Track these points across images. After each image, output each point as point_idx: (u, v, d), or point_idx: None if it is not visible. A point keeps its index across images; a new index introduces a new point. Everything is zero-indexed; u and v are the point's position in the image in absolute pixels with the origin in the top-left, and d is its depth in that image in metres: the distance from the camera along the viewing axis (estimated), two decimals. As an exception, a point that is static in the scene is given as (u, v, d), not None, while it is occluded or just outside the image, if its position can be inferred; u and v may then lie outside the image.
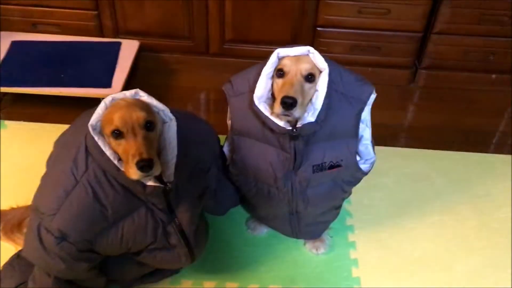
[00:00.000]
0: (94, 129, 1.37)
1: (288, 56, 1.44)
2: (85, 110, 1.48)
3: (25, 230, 1.83)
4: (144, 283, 1.74)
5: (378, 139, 2.26)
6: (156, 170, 1.31)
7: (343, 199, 1.81)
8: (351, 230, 1.97)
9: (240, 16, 2.53)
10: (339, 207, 1.84)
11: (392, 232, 1.97)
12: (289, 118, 1.42)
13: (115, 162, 1.35)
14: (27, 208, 1.88)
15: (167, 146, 1.44)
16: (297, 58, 1.43)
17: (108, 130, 1.34)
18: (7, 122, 2.35)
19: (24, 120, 2.36)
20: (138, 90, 1.42)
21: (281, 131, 1.44)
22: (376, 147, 2.24)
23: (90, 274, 1.51)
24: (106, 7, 2.55)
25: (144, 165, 1.27)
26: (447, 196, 2.12)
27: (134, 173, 1.29)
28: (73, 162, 1.41)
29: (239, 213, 2.00)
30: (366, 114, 1.62)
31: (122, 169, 1.34)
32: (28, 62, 2.38)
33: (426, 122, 2.53)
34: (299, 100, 1.38)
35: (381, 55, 2.63)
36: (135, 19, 2.58)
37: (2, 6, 2.55)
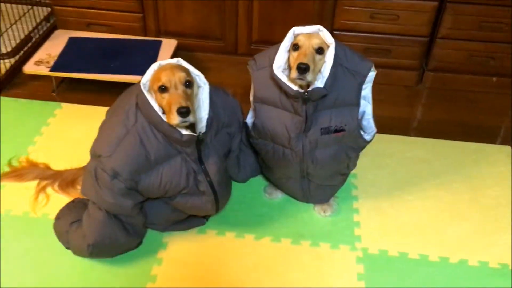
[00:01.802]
0: (144, 87, 1.72)
1: (302, 33, 1.77)
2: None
3: (78, 186, 2.19)
4: (176, 230, 2.04)
5: (385, 129, 2.56)
6: (192, 117, 1.64)
7: (348, 166, 2.09)
8: (356, 199, 2.25)
9: (265, 20, 2.89)
10: (344, 174, 2.13)
11: (392, 202, 2.24)
12: (303, 82, 1.73)
13: (160, 113, 1.69)
14: (79, 169, 2.24)
15: (200, 105, 1.77)
16: (309, 35, 1.76)
17: (155, 86, 1.68)
18: (62, 104, 2.73)
19: (77, 103, 2.74)
20: (179, 58, 1.77)
21: (295, 94, 1.75)
22: (382, 134, 2.55)
23: (133, 211, 1.83)
24: (150, 10, 2.95)
25: (183, 112, 1.60)
26: (443, 176, 2.38)
27: (174, 119, 1.62)
28: (125, 115, 1.75)
29: (258, 181, 2.31)
30: (367, 92, 1.93)
31: (165, 119, 1.68)
32: (83, 53, 2.77)
33: (430, 116, 2.80)
34: (311, 67, 1.70)
35: (391, 57, 2.93)
36: (174, 21, 2.97)
37: (59, 7, 2.98)
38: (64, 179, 2.22)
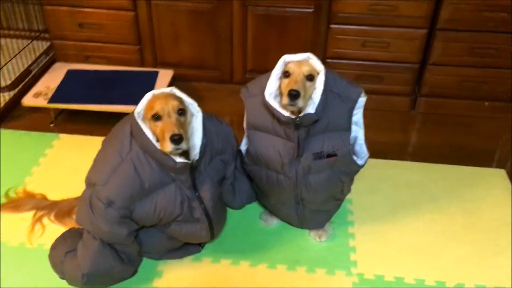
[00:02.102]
0: (138, 116, 1.75)
1: (292, 61, 1.82)
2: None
3: (74, 216, 2.20)
4: (171, 258, 2.04)
5: (380, 154, 2.59)
6: (185, 144, 1.66)
7: (342, 191, 2.10)
8: (351, 225, 2.25)
9: (260, 49, 2.96)
10: (339, 199, 2.14)
11: (388, 227, 2.24)
12: (294, 108, 1.76)
13: (154, 142, 1.71)
14: (75, 199, 2.25)
15: (194, 132, 1.80)
16: (300, 62, 1.80)
17: (149, 115, 1.71)
18: (60, 135, 2.76)
19: (75, 134, 2.77)
20: (173, 87, 1.81)
21: (287, 120, 1.78)
22: (377, 159, 2.57)
23: (128, 240, 1.84)
24: (147, 42, 3.02)
25: (176, 139, 1.63)
26: (439, 200, 2.39)
27: (167, 146, 1.65)
28: (120, 144, 1.78)
29: (254, 208, 2.32)
30: (359, 117, 1.96)
31: (159, 147, 1.70)
32: (81, 85, 2.83)
33: (425, 141, 2.83)
34: (302, 93, 1.74)
35: (383, 84, 2.98)
36: (171, 52, 3.04)
37: (58, 41, 3.05)
38: (60, 210, 2.24)
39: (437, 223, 2.26)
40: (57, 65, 3.04)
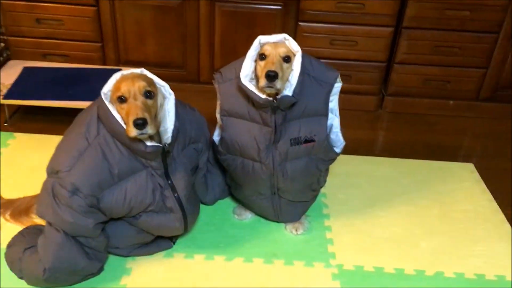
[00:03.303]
0: (105, 97, 1.64)
1: (268, 42, 1.76)
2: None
3: (32, 215, 2.04)
4: (141, 254, 1.91)
5: (350, 151, 2.56)
6: (150, 129, 1.55)
7: (318, 181, 2.05)
8: (327, 217, 2.19)
9: (227, 48, 2.90)
10: (315, 190, 2.08)
11: (364, 219, 2.19)
12: (272, 90, 1.70)
13: (122, 124, 1.60)
14: (33, 197, 2.09)
15: (166, 115, 1.71)
16: (276, 44, 1.75)
17: (115, 96, 1.61)
18: (16, 134, 2.59)
19: (31, 133, 2.60)
20: (143, 69, 1.71)
21: (264, 103, 1.72)
22: (349, 156, 2.55)
23: (94, 232, 1.70)
24: (110, 40, 2.90)
25: (139, 123, 1.52)
26: (412, 192, 2.37)
27: (131, 131, 1.54)
28: (86, 128, 1.66)
29: (226, 203, 2.23)
30: (334, 104, 1.93)
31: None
32: (38, 82, 2.67)
33: (393, 138, 2.83)
34: (280, 74, 1.68)
35: (351, 82, 2.98)
36: (135, 50, 2.93)
37: (14, 38, 2.89)
38: (17, 208, 2.07)
39: (412, 214, 2.24)
40: (12, 62, 2.88)
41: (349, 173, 2.48)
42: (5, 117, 2.68)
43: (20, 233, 1.86)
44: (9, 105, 2.64)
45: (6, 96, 2.53)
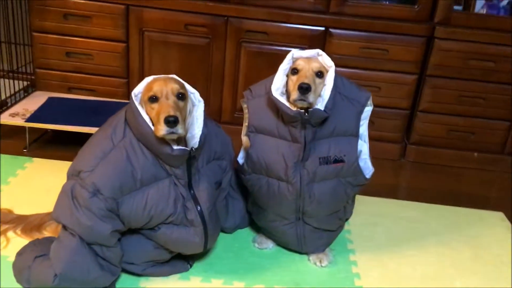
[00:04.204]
0: (135, 99, 1.62)
1: (301, 57, 1.76)
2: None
3: (44, 231, 1.96)
4: (155, 275, 1.79)
5: (374, 194, 2.48)
6: (181, 129, 1.51)
7: (345, 209, 1.96)
8: (353, 253, 2.07)
9: (251, 88, 2.91)
10: (341, 219, 1.98)
11: (392, 257, 2.06)
12: (304, 104, 1.67)
13: (150, 125, 1.56)
14: (46, 214, 2.01)
15: (194, 122, 1.67)
16: (309, 59, 1.75)
17: (146, 96, 1.59)
18: (34, 159, 2.55)
19: (49, 159, 2.56)
20: (174, 75, 1.70)
21: (295, 115, 1.68)
22: (374, 198, 2.46)
23: (111, 240, 1.60)
24: (136, 76, 2.94)
25: (170, 120, 1.49)
26: (441, 235, 2.25)
27: (160, 129, 1.50)
28: (112, 130, 1.63)
29: (246, 232, 2.13)
30: (364, 129, 1.89)
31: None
32: (62, 109, 2.67)
33: (417, 185, 2.75)
34: (313, 87, 1.66)
35: (374, 129, 2.94)
36: (159, 88, 2.95)
37: (42, 70, 2.93)
38: (29, 224, 1.98)
39: (443, 255, 2.11)
40: (37, 93, 2.90)
41: (373, 213, 2.38)
42: (25, 144, 2.65)
43: (32, 242, 1.77)
44: (30, 132, 2.63)
45: (30, 119, 2.52)
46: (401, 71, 2.82)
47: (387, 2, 2.81)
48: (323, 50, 2.74)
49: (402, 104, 2.90)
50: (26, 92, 3.07)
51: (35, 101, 2.77)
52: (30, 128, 2.61)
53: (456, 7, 2.77)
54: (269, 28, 2.78)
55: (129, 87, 2.97)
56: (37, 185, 2.31)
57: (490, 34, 2.71)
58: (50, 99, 2.79)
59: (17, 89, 2.98)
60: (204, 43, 2.84)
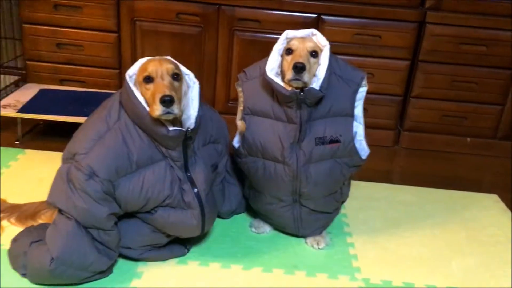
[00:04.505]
0: (130, 80, 1.60)
1: (295, 37, 1.76)
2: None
3: (39, 219, 1.93)
4: (152, 259, 1.78)
5: (368, 179, 2.48)
6: (176, 109, 1.50)
7: (341, 191, 1.96)
8: (349, 235, 2.07)
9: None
10: (338, 201, 1.98)
11: (388, 238, 2.07)
12: (299, 83, 1.66)
13: (145, 106, 1.55)
14: (41, 203, 1.99)
15: (190, 103, 1.66)
16: (303, 39, 1.74)
17: (141, 77, 1.58)
18: (26, 150, 2.52)
19: (42, 150, 2.54)
20: (169, 56, 1.69)
21: (290, 95, 1.67)
22: (367, 182, 2.47)
23: (107, 224, 1.59)
24: (128, 67, 2.88)
25: (166, 100, 1.48)
26: (436, 217, 2.26)
27: (156, 109, 1.49)
28: (107, 112, 1.62)
29: (243, 218, 2.12)
30: (359, 111, 1.89)
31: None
32: (54, 100, 2.65)
33: (412, 170, 2.76)
34: (307, 67, 1.66)
35: (368, 116, 2.93)
36: (152, 78, 2.94)
37: (32, 62, 2.90)
38: (23, 212, 1.96)
39: (438, 237, 2.12)
40: (28, 85, 2.87)
41: (369, 197, 2.38)
42: (17, 136, 2.62)
43: (27, 229, 1.76)
44: (22, 124, 2.60)
45: (21, 110, 2.50)
46: (393, 57, 2.83)
47: (379, -11, 2.81)
48: (316, 37, 2.74)
49: (395, 90, 2.91)
50: (17, 86, 3.05)
51: (27, 93, 2.74)
52: (22, 121, 2.59)
53: (447, -8, 2.78)
54: (262, 15, 2.78)
55: (121, 78, 2.94)
56: (30, 175, 2.29)
57: (481, 18, 2.73)
58: (42, 91, 2.77)
59: (7, 83, 2.97)
60: (196, 32, 2.83)
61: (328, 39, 2.73)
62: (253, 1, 2.75)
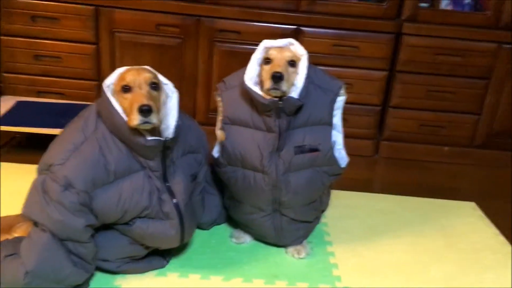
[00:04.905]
0: (108, 90, 1.59)
1: (273, 46, 1.77)
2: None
3: (14, 233, 1.88)
4: (131, 272, 1.75)
5: (348, 188, 2.49)
6: (155, 118, 1.50)
7: (321, 200, 1.97)
8: (330, 244, 2.07)
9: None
10: (317, 209, 1.99)
11: (368, 246, 2.08)
12: (277, 93, 1.67)
13: (123, 115, 1.54)
14: (16, 216, 1.94)
15: (169, 112, 1.66)
16: (281, 49, 1.75)
17: (119, 86, 1.57)
18: (2, 163, 2.48)
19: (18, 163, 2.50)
20: (148, 66, 1.69)
21: (269, 104, 1.68)
22: (347, 192, 2.48)
23: (83, 236, 1.57)
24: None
25: (144, 110, 1.47)
26: (415, 225, 2.28)
27: (134, 119, 1.49)
28: (84, 122, 1.60)
29: (223, 228, 2.11)
30: (337, 120, 1.90)
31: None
32: (32, 112, 2.61)
33: (391, 179, 2.78)
34: (285, 76, 1.67)
35: (347, 126, 2.95)
36: (131, 89, 2.92)
37: (8, 74, 2.87)
38: (-2, 227, 1.91)
39: (417, 244, 2.13)
40: (4, 97, 2.83)
41: (349, 206, 2.40)
42: (-8, 149, 2.59)
43: (2, 243, 1.69)
44: (-2, 135, 2.56)
45: (-3, 123, 2.46)
46: (371, 67, 2.87)
47: (356, 0, 2.85)
48: (295, 48, 2.76)
49: (374, 100, 2.94)
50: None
51: (3, 105, 2.70)
52: (-2, 133, 2.55)
53: (422, 4, 2.83)
54: (242, 27, 2.79)
55: (100, 89, 2.92)
56: (6, 189, 2.25)
57: (457, 29, 2.79)
58: (18, 103, 2.73)
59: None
60: (176, 43, 2.83)
61: (307, 50, 2.79)
62: (233, 13, 2.76)
